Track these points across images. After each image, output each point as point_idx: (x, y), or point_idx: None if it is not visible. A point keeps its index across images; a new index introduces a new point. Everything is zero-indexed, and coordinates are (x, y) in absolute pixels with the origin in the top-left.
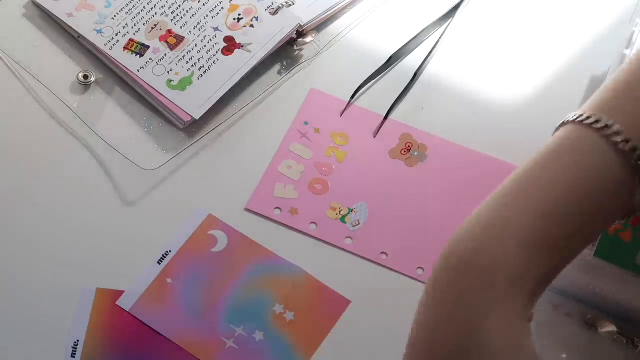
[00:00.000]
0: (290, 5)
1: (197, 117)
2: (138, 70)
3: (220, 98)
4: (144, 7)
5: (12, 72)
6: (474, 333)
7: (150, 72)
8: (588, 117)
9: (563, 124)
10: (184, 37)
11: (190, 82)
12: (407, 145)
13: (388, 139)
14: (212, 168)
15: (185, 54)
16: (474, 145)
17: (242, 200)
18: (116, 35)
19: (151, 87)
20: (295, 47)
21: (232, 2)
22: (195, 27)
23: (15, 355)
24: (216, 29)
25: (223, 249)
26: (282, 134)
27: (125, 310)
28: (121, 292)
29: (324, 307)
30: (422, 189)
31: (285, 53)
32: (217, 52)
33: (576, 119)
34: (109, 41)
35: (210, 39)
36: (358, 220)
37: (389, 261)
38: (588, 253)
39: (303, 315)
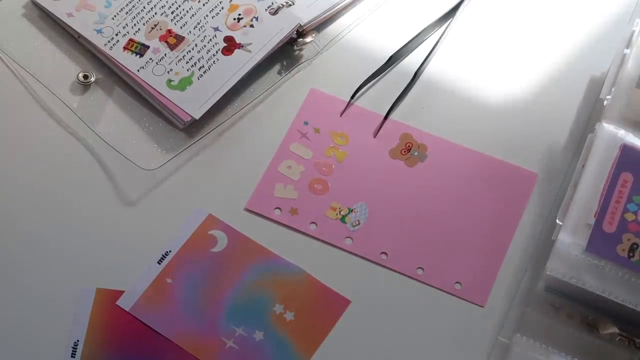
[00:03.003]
0: (290, 5)
1: (197, 117)
2: (138, 70)
3: (220, 98)
4: (144, 7)
5: (12, 72)
6: None
7: (150, 72)
8: None
9: None
10: (184, 37)
11: (190, 82)
12: (407, 145)
13: (388, 139)
14: (212, 168)
15: (185, 54)
16: (474, 145)
17: (242, 200)
18: (116, 35)
19: (151, 87)
20: (295, 47)
21: (232, 2)
22: (195, 27)
23: (16, 355)
24: (216, 29)
25: (223, 249)
26: (282, 134)
27: (125, 310)
28: (121, 292)
29: (324, 307)
30: (422, 189)
31: (285, 53)
32: (217, 52)
33: None
34: (108, 41)
35: (210, 39)
36: (358, 220)
37: (389, 261)
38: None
39: (303, 315)
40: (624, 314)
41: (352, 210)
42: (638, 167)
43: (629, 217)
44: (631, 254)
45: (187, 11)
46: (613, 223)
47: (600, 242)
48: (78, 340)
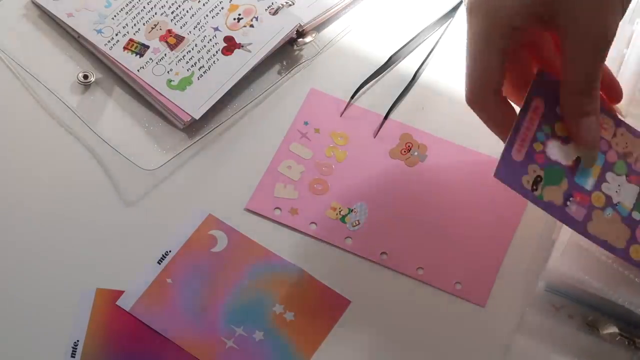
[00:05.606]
0: (290, 5)
1: (197, 117)
2: (138, 70)
3: (220, 98)
4: (144, 7)
5: (12, 72)
6: None
7: (150, 72)
8: None
9: None
10: (184, 37)
11: (190, 82)
12: (407, 145)
13: (388, 139)
14: (212, 168)
15: (185, 54)
16: (474, 145)
17: (242, 200)
18: (116, 35)
19: (151, 87)
20: (295, 47)
21: (232, 2)
22: (195, 27)
23: (16, 355)
24: (216, 29)
25: (223, 249)
26: (282, 134)
27: (125, 310)
28: (121, 292)
29: (324, 307)
30: (422, 189)
31: (285, 53)
32: (217, 52)
33: None
34: (109, 41)
35: (210, 39)
36: (358, 220)
37: (389, 261)
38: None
39: (303, 315)
40: (624, 314)
41: (352, 210)
42: (550, 95)
43: (537, 147)
44: (534, 187)
45: (187, 11)
46: (522, 151)
47: (509, 169)
48: (78, 341)
